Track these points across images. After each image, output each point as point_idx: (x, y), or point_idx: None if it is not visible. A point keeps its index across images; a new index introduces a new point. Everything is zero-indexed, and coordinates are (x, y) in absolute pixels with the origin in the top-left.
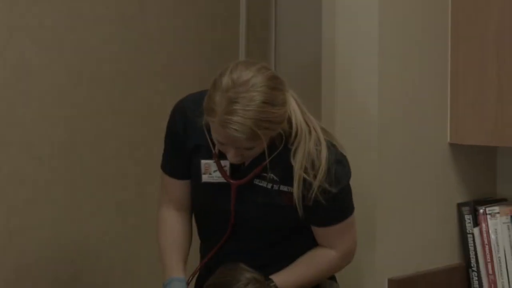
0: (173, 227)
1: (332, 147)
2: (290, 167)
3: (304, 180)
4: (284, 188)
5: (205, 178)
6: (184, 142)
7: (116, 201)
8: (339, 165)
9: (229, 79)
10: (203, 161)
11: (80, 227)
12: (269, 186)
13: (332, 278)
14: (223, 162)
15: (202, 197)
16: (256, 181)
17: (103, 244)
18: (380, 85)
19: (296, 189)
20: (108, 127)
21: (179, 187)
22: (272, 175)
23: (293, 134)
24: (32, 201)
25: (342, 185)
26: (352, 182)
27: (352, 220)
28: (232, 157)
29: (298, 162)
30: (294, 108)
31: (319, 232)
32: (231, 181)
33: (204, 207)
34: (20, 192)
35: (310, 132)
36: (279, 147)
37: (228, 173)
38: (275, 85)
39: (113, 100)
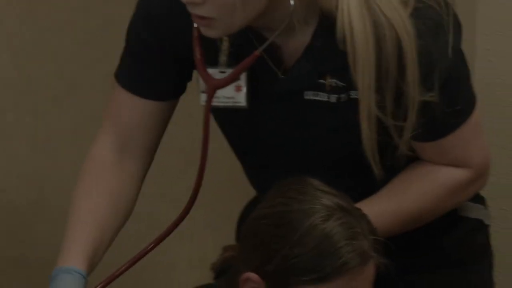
0: (103, 178)
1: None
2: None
3: (387, 74)
4: (356, 94)
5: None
6: (163, 49)
7: None
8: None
9: None
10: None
11: None
12: (333, 99)
13: (477, 200)
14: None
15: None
16: (309, 95)
17: None
18: None
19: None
20: None
21: (137, 111)
22: (333, 80)
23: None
24: None
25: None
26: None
27: (478, 115)
28: None
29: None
30: None
31: (432, 149)
32: (207, 77)
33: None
34: None
35: None
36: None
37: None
38: None
39: None
